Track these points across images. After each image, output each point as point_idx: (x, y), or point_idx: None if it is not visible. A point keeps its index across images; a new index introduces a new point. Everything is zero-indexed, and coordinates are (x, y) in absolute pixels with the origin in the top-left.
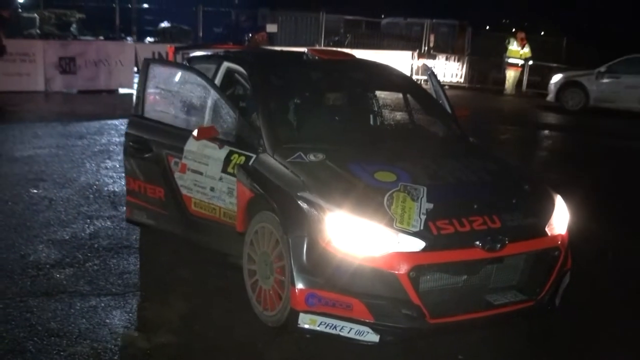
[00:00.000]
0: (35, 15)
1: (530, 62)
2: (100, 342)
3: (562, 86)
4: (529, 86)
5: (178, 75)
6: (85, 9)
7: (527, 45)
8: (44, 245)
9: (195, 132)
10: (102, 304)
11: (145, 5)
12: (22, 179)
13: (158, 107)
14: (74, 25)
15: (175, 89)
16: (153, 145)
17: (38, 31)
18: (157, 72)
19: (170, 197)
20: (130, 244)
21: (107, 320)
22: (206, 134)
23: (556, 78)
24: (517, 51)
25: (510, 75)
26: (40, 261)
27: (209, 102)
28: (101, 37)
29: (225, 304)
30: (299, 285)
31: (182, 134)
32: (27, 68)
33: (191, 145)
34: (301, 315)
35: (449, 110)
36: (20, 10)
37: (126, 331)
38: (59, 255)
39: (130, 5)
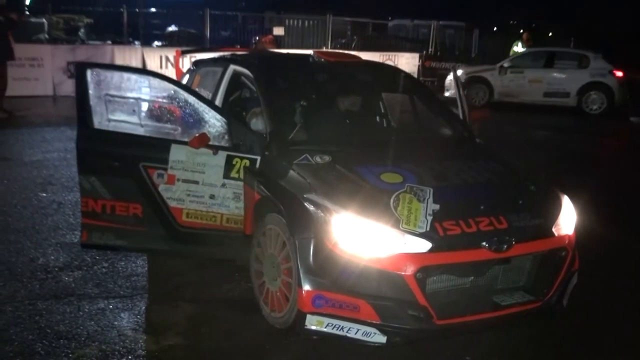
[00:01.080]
0: (44, 20)
1: None
2: (109, 344)
3: (465, 82)
4: None
5: (133, 80)
6: (93, 13)
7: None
8: (53, 248)
9: (191, 141)
10: (110, 307)
11: (153, 10)
12: (31, 182)
13: (113, 116)
14: (82, 30)
15: (133, 96)
16: (123, 159)
17: (46, 36)
18: (101, 78)
19: (151, 212)
20: None
21: (115, 323)
22: (202, 141)
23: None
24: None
25: None
26: (49, 264)
27: (189, 108)
28: (109, 42)
29: (233, 306)
30: (306, 287)
31: (160, 144)
32: (36, 73)
33: (178, 155)
34: (308, 316)
35: (461, 112)
36: (28, 14)
37: (134, 333)
38: (67, 259)
39: (137, 10)
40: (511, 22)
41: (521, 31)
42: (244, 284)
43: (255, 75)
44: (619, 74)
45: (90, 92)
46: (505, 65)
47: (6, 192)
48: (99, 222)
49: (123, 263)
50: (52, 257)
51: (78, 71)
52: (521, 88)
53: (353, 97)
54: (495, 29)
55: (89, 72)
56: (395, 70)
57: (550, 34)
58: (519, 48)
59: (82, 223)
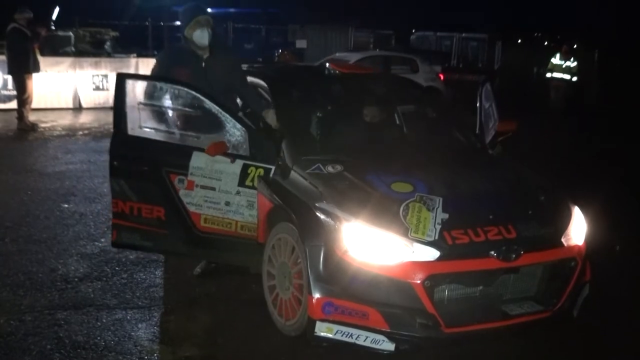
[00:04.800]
0: (71, 33)
1: (575, 79)
2: (126, 354)
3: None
4: None
5: (163, 90)
6: (119, 27)
7: (572, 59)
8: (73, 259)
9: (208, 149)
10: (128, 317)
11: (178, 23)
12: (54, 193)
13: (145, 123)
14: (108, 43)
15: (165, 104)
16: (148, 164)
17: (73, 49)
18: (136, 87)
19: (173, 215)
20: (157, 258)
21: (133, 333)
22: (219, 149)
23: None
24: (561, 65)
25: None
26: (69, 275)
27: (211, 117)
28: (134, 55)
29: (249, 317)
30: (316, 294)
31: (183, 151)
32: (61, 85)
33: (198, 162)
34: (318, 323)
35: (478, 123)
36: (54, 29)
37: (151, 344)
38: (87, 269)
39: (162, 23)
40: (536, 34)
41: (545, 43)
42: (260, 295)
43: (270, 86)
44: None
45: (127, 100)
46: None
47: (29, 202)
48: (127, 223)
49: (142, 274)
50: (72, 268)
51: (118, 81)
52: None
53: (366, 107)
54: (519, 41)
55: (127, 82)
56: (409, 81)
57: (575, 45)
58: (557, 60)
59: (112, 223)
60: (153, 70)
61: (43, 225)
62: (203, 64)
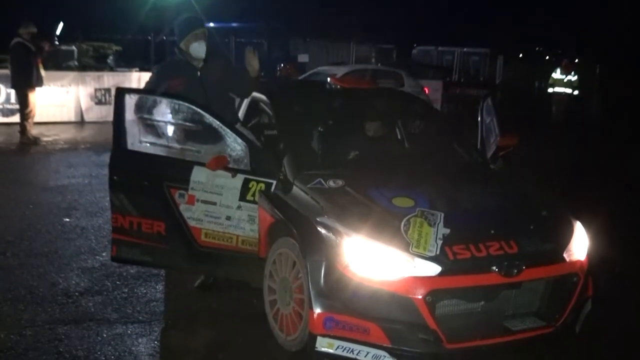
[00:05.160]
0: (74, 47)
1: (576, 92)
2: None
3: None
4: None
5: (163, 104)
6: (122, 41)
7: (573, 73)
8: (74, 273)
9: (208, 163)
10: (129, 332)
11: None
12: (56, 207)
13: (144, 138)
14: (111, 57)
15: (164, 119)
16: (148, 179)
17: (76, 63)
18: (136, 102)
19: (173, 230)
20: (158, 272)
21: (133, 348)
22: (220, 164)
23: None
24: (562, 79)
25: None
26: (69, 289)
27: (212, 131)
28: (136, 69)
29: (250, 332)
30: (317, 309)
31: (184, 165)
32: (64, 99)
33: (199, 176)
34: (319, 338)
35: (479, 138)
36: (58, 44)
37: (151, 359)
38: (88, 283)
39: (165, 38)
40: (537, 48)
41: (546, 57)
42: (261, 310)
43: (272, 101)
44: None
45: (126, 115)
46: None
47: (31, 216)
48: (127, 238)
49: (143, 288)
50: (73, 282)
51: (117, 95)
52: None
53: (368, 122)
54: (520, 55)
55: (126, 97)
56: (410, 96)
57: (577, 60)
58: (557, 75)
59: (112, 238)
60: (148, 82)
61: (44, 239)
62: (198, 73)
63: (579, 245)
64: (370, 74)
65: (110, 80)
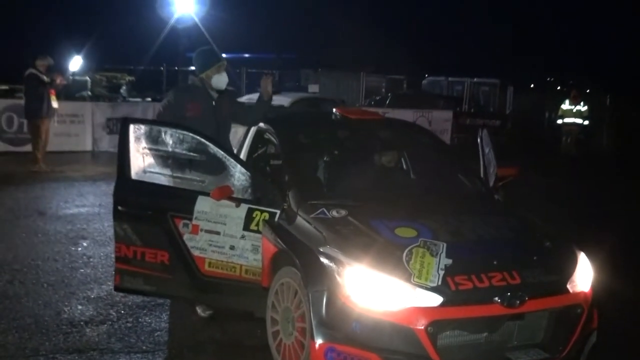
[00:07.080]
0: (87, 78)
1: (587, 122)
2: None
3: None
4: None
5: (168, 134)
6: (135, 71)
7: (582, 103)
8: (80, 302)
9: (213, 193)
10: None
11: (192, 68)
12: (64, 236)
13: (149, 168)
14: (124, 87)
15: (169, 149)
16: (152, 208)
17: (89, 93)
18: (141, 132)
19: (177, 260)
20: (163, 301)
21: None
22: (224, 193)
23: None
24: (571, 109)
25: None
26: (74, 318)
27: (216, 161)
28: (148, 99)
29: None
30: (319, 340)
31: (188, 195)
32: (76, 129)
33: (203, 206)
34: None
35: (482, 169)
36: (72, 77)
37: None
38: (93, 313)
39: (177, 68)
40: (548, 79)
41: (558, 88)
42: (265, 341)
43: (277, 132)
44: None
45: (131, 145)
46: None
47: (39, 245)
48: (130, 267)
49: (147, 318)
50: (78, 311)
51: (122, 125)
52: None
53: (373, 153)
54: (532, 85)
55: (131, 127)
56: (415, 127)
57: (588, 90)
58: (566, 106)
59: (116, 268)
60: (167, 102)
61: (52, 268)
62: (213, 103)
63: (583, 276)
64: (314, 102)
65: (124, 110)
